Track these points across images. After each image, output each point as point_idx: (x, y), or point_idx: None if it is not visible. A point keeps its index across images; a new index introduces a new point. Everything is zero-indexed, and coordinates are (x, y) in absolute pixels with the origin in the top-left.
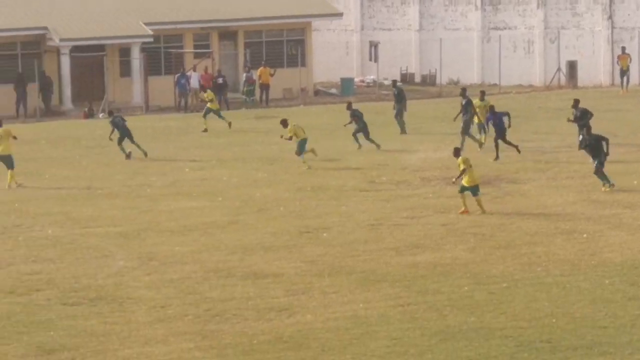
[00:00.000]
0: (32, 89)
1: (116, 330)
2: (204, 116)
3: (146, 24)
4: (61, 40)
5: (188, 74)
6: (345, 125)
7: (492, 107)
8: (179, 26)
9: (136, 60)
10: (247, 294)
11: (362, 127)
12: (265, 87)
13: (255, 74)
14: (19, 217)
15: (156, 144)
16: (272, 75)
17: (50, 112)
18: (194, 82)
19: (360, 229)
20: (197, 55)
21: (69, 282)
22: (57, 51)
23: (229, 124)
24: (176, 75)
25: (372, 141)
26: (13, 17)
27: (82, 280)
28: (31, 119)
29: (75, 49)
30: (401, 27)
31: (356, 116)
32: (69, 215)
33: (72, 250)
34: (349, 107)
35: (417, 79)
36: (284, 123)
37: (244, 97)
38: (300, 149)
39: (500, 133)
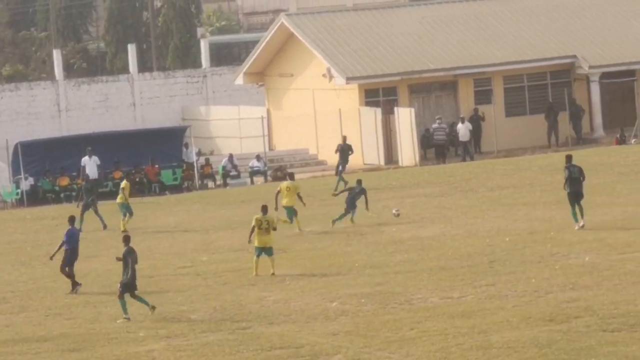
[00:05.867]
0: (563, 118)
1: None
2: None
3: None
4: (590, 67)
5: None
6: None
7: None
8: None
9: None
10: None
11: None
12: None
13: None
14: (555, 246)
15: None
16: None
17: (581, 140)
18: None
19: None
20: None
21: (607, 308)
22: (587, 79)
23: None
24: None
25: None
26: (543, 47)
27: (621, 306)
28: (562, 147)
29: (604, 75)
30: None
31: None
32: (604, 242)
33: (609, 277)
34: None
35: None
36: None
37: None
38: None
39: None
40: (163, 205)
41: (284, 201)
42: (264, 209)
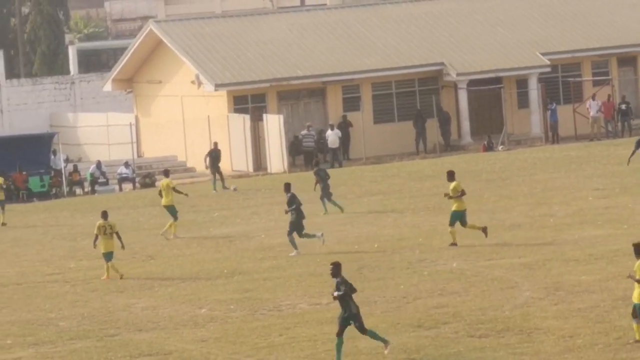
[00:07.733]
0: (431, 125)
1: None
2: None
3: (543, 54)
4: (458, 74)
5: (588, 103)
6: None
7: None
8: (576, 54)
9: (534, 91)
10: None
11: None
12: None
13: None
14: (423, 252)
15: (558, 173)
16: None
17: (449, 146)
18: (594, 110)
19: None
20: (595, 83)
21: (475, 314)
22: (455, 86)
23: None
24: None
25: None
26: (411, 54)
27: (488, 312)
28: (431, 154)
29: (472, 82)
30: None
31: None
32: (472, 249)
33: (477, 283)
34: None
35: None
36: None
37: None
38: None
39: None
40: (31, 212)
41: (163, 201)
42: (104, 215)
